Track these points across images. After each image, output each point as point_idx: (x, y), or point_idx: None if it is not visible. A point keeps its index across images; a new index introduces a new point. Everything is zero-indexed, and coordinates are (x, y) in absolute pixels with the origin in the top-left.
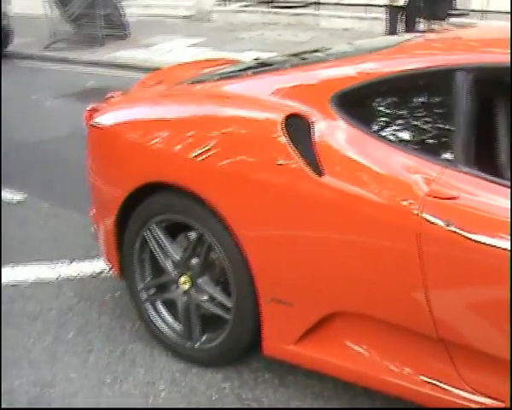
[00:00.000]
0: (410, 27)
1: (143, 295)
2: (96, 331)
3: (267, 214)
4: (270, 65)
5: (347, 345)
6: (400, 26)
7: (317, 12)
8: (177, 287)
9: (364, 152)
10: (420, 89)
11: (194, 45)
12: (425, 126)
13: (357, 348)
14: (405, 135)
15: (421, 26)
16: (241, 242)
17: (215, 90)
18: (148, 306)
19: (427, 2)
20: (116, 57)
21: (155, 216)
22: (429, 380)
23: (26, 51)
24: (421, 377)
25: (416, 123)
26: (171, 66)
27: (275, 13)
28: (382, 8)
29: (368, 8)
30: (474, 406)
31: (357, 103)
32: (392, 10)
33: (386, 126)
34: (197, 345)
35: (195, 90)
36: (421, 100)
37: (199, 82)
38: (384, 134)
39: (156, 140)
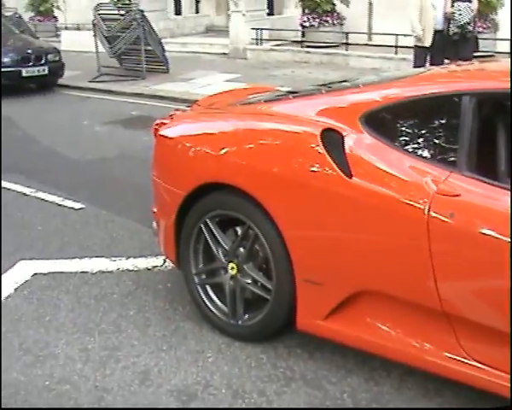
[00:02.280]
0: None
1: (196, 280)
2: (152, 311)
3: (305, 211)
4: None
5: (370, 321)
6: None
7: (346, 52)
8: (226, 272)
9: (386, 159)
10: (431, 110)
11: (229, 80)
12: (435, 139)
13: (377, 323)
14: (419, 146)
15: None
16: (283, 234)
17: (265, 110)
18: (200, 289)
19: (452, 44)
20: (157, 90)
21: (210, 211)
22: (447, 354)
23: (76, 83)
24: (443, 352)
25: (428, 136)
26: (220, 92)
27: (306, 52)
28: (409, 50)
29: (396, 49)
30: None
31: (381, 121)
32: (419, 51)
33: (405, 140)
34: (240, 322)
35: (249, 109)
36: (432, 119)
37: (249, 104)
38: (403, 146)
39: (215, 148)
